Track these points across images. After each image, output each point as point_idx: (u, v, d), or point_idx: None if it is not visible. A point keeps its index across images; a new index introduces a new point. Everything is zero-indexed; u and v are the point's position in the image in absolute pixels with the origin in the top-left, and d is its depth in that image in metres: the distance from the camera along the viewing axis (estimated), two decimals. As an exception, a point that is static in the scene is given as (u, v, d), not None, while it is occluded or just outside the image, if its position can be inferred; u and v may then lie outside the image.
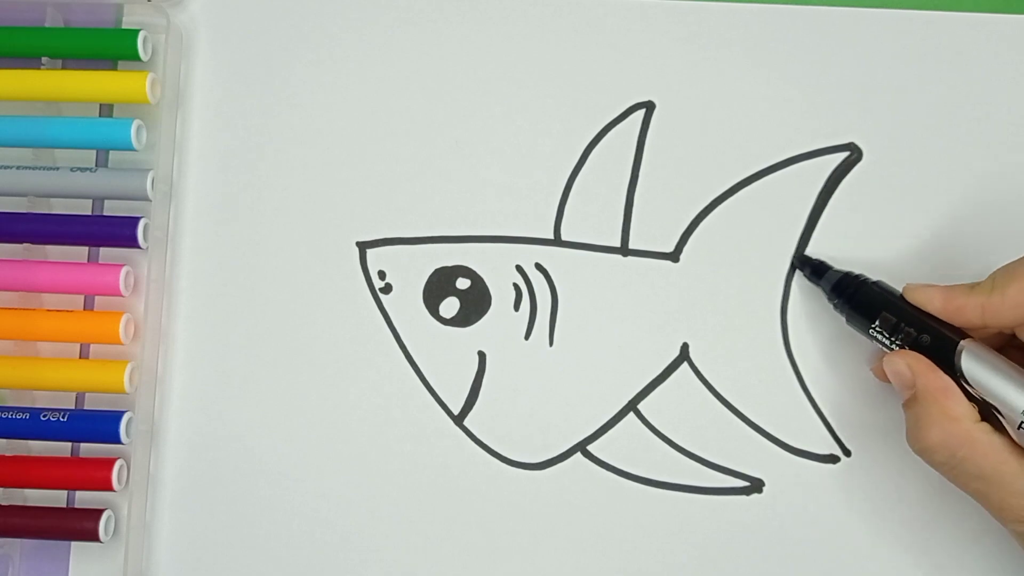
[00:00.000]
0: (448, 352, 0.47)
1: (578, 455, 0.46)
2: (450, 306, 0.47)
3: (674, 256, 0.46)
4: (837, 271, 0.44)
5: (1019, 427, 0.37)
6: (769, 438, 0.45)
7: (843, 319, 0.44)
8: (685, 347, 0.46)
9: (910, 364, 0.40)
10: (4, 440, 0.46)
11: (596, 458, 0.46)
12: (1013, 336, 0.40)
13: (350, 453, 0.47)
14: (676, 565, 0.45)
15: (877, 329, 0.41)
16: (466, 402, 0.46)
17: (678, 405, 0.46)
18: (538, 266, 0.47)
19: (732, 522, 0.45)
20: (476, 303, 0.47)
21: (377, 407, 0.47)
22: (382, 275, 0.47)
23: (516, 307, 0.47)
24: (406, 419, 0.46)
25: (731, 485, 0.46)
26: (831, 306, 0.44)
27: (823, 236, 0.46)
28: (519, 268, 0.47)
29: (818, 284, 0.45)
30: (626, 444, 0.46)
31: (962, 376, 0.39)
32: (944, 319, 0.40)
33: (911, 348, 0.40)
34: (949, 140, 0.46)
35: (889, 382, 0.42)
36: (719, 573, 0.45)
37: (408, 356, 0.47)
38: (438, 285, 0.47)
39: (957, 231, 0.46)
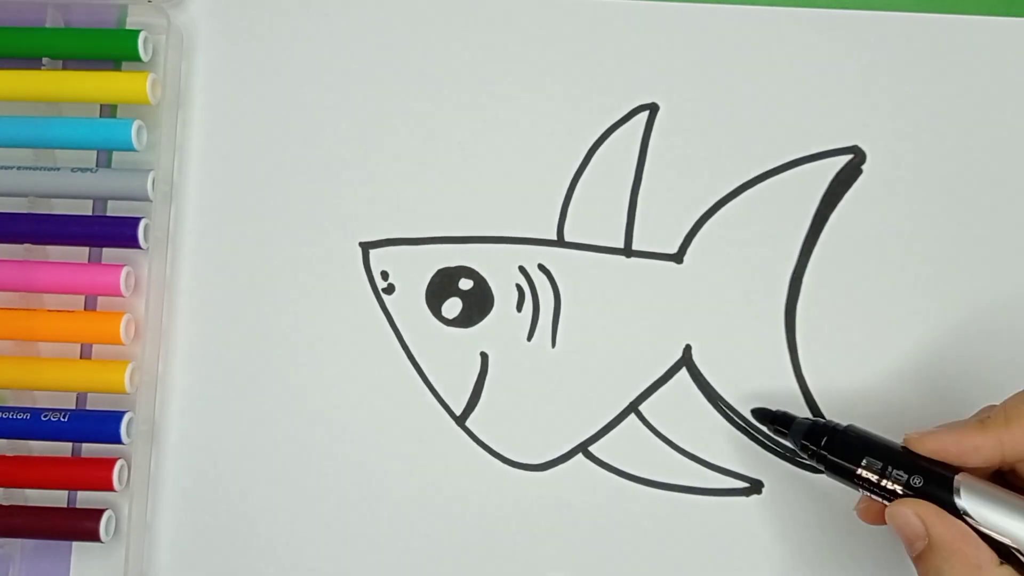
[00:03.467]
0: (450, 353, 0.47)
1: (580, 456, 0.46)
2: (453, 307, 0.47)
3: (677, 258, 0.47)
4: (803, 420, 0.42)
5: None
6: (769, 440, 0.45)
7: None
8: (688, 349, 0.46)
9: (920, 514, 0.36)
10: (5, 440, 0.46)
11: (597, 459, 0.46)
12: (997, 469, 0.38)
13: (351, 453, 0.47)
14: (676, 565, 0.45)
15: (862, 476, 0.39)
16: (468, 403, 0.46)
17: (679, 407, 0.46)
18: (541, 267, 0.47)
19: (732, 523, 0.45)
20: (479, 304, 0.47)
21: (379, 407, 0.47)
22: (385, 275, 0.47)
23: (519, 308, 0.47)
24: (408, 420, 0.47)
25: (731, 486, 0.46)
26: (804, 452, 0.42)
27: (827, 239, 0.46)
28: (522, 269, 0.47)
29: (784, 437, 0.42)
30: (627, 445, 0.46)
31: (965, 514, 0.36)
32: (960, 464, 0.37)
33: (904, 489, 0.37)
34: (952, 142, 0.47)
35: (875, 524, 0.40)
36: (719, 574, 0.45)
37: (410, 357, 0.47)
38: (441, 286, 0.47)
39: (960, 234, 0.46)
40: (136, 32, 0.47)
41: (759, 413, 0.44)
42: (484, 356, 0.47)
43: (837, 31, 0.47)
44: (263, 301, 0.47)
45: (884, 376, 0.46)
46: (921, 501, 0.37)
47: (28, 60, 0.47)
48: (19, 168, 0.46)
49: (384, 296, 0.47)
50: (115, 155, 0.48)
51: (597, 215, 0.47)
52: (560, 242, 0.47)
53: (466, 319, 0.47)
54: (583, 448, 0.46)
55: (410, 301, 0.47)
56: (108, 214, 0.48)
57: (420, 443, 0.46)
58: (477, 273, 0.47)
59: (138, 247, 0.46)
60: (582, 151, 0.47)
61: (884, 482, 0.38)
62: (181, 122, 0.48)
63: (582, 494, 0.46)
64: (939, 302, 0.46)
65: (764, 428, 0.44)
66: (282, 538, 0.46)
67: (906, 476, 0.38)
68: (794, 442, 0.42)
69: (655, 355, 0.46)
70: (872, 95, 0.47)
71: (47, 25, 0.48)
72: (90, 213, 0.48)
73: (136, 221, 0.46)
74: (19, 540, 0.47)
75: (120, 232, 0.46)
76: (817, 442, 0.40)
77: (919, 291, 0.46)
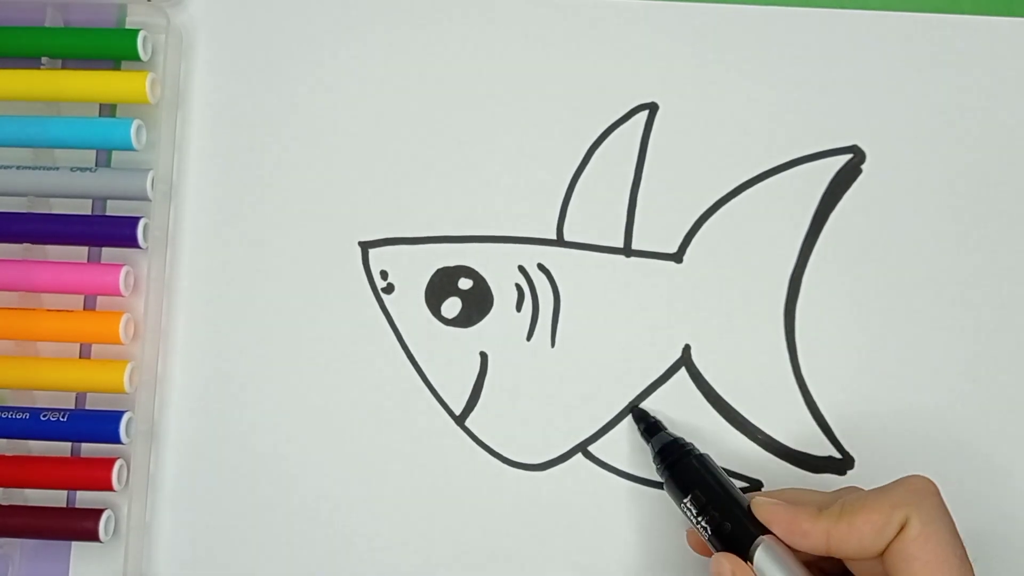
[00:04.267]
0: (450, 352, 0.47)
1: (579, 456, 0.46)
2: (452, 306, 0.47)
3: (677, 257, 0.46)
4: (667, 435, 0.43)
5: None
6: (769, 440, 0.45)
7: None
8: (687, 349, 0.46)
9: (735, 570, 0.38)
10: (4, 440, 0.46)
11: (597, 459, 0.46)
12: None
13: (351, 453, 0.46)
14: (677, 565, 0.45)
15: (687, 505, 0.41)
16: (467, 402, 0.46)
17: (678, 407, 0.46)
18: (540, 266, 0.47)
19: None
20: (478, 303, 0.47)
21: (378, 407, 0.47)
22: (384, 275, 0.47)
23: (518, 308, 0.47)
24: (407, 419, 0.46)
25: (731, 486, 0.46)
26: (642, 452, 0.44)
27: (826, 239, 0.46)
28: (521, 268, 0.47)
29: (648, 442, 0.44)
30: (627, 445, 0.46)
31: (756, 569, 0.38)
32: (788, 543, 0.38)
33: (714, 531, 0.39)
34: (952, 142, 0.47)
35: (697, 552, 0.42)
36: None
37: (410, 356, 0.47)
38: (440, 285, 0.47)
39: (960, 233, 0.46)
40: (135, 31, 0.47)
41: (638, 413, 0.46)
42: (484, 356, 0.47)
43: (837, 31, 0.47)
44: (262, 300, 0.47)
45: (883, 376, 0.46)
46: (738, 560, 0.38)
47: (27, 59, 0.47)
48: (18, 167, 0.46)
49: (383, 295, 0.47)
50: (114, 155, 0.48)
51: (597, 215, 0.47)
52: (560, 242, 0.47)
53: (466, 319, 0.47)
54: (582, 448, 0.46)
55: (409, 300, 0.47)
56: (107, 214, 0.48)
57: (420, 443, 0.46)
58: (476, 273, 0.47)
59: (137, 247, 0.46)
60: (582, 150, 0.47)
61: (700, 517, 0.40)
62: (180, 121, 0.48)
63: (581, 494, 0.46)
64: (939, 302, 0.46)
65: (637, 428, 0.45)
66: (282, 538, 0.46)
67: (720, 520, 0.40)
68: (652, 451, 0.43)
69: (655, 355, 0.46)
70: (872, 95, 0.47)
71: (46, 24, 0.48)
72: (89, 213, 0.48)
73: (135, 221, 0.46)
74: (18, 540, 0.46)
75: (119, 232, 0.46)
76: (664, 459, 0.42)
77: (919, 291, 0.46)
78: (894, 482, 0.38)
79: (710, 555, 0.40)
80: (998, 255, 0.46)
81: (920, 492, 0.37)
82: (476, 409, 0.46)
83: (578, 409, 0.46)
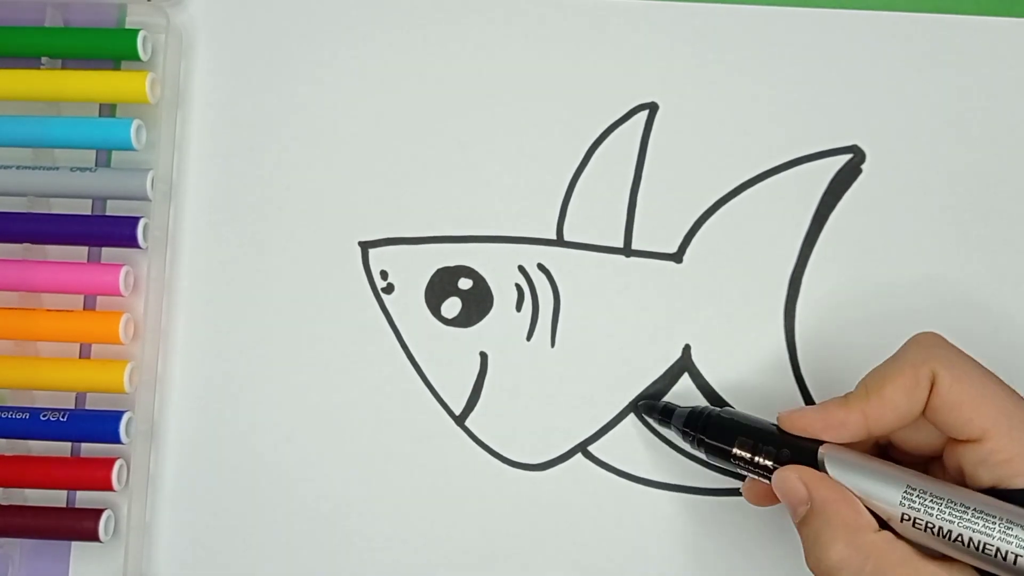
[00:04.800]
0: (450, 352, 0.47)
1: (579, 456, 0.46)
2: (452, 306, 0.47)
3: (677, 257, 0.46)
4: (684, 408, 0.43)
5: (901, 520, 0.36)
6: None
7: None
8: (687, 349, 0.46)
9: (803, 478, 0.37)
10: (4, 440, 0.46)
11: (597, 459, 0.46)
12: (875, 443, 0.40)
13: (351, 453, 0.46)
14: (677, 566, 0.45)
15: (737, 456, 0.40)
16: (467, 403, 0.46)
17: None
18: (540, 266, 0.47)
19: (732, 523, 0.45)
20: (478, 303, 0.47)
21: (378, 407, 0.47)
22: (384, 275, 0.47)
23: (518, 308, 0.47)
24: (407, 419, 0.46)
25: (731, 486, 0.46)
26: (686, 438, 0.42)
27: (826, 239, 0.46)
28: (521, 268, 0.47)
29: (668, 426, 0.44)
30: (627, 445, 0.46)
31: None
32: (828, 439, 0.38)
33: (776, 463, 0.39)
34: (952, 142, 0.47)
35: (761, 505, 0.41)
36: (719, 574, 0.45)
37: (410, 356, 0.47)
38: (440, 285, 0.47)
39: (960, 233, 0.46)
40: (135, 31, 0.47)
41: (646, 407, 0.45)
42: (483, 356, 0.47)
43: (837, 31, 0.47)
44: (262, 300, 0.47)
45: (884, 376, 0.46)
46: (805, 467, 0.38)
47: (27, 59, 0.47)
48: (18, 167, 0.46)
49: (383, 295, 0.47)
50: (114, 154, 0.48)
51: (597, 214, 0.47)
52: (560, 241, 0.47)
53: (465, 319, 0.47)
54: (582, 448, 0.46)
55: (409, 300, 0.47)
56: (107, 214, 0.48)
57: (419, 443, 0.46)
58: (476, 272, 0.47)
59: (137, 247, 0.46)
60: (581, 150, 0.47)
61: (756, 458, 0.39)
62: (180, 121, 0.48)
63: (581, 494, 0.46)
64: (939, 302, 0.46)
65: (651, 421, 0.45)
66: (282, 538, 0.46)
67: (776, 451, 0.39)
68: (676, 430, 0.43)
69: (655, 355, 0.46)
70: (872, 95, 0.47)
71: (46, 24, 0.48)
72: (89, 212, 0.47)
73: (135, 220, 0.46)
74: (18, 540, 0.46)
75: (119, 231, 0.46)
76: (695, 427, 0.42)
77: (919, 291, 0.46)
78: (902, 348, 0.38)
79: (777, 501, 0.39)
80: (998, 255, 0.46)
81: (933, 344, 0.38)
82: (476, 409, 0.46)
83: (578, 409, 0.46)
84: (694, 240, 0.46)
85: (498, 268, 0.47)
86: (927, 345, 0.38)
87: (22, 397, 0.47)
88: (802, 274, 0.46)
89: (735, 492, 0.46)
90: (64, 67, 0.48)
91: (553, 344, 0.46)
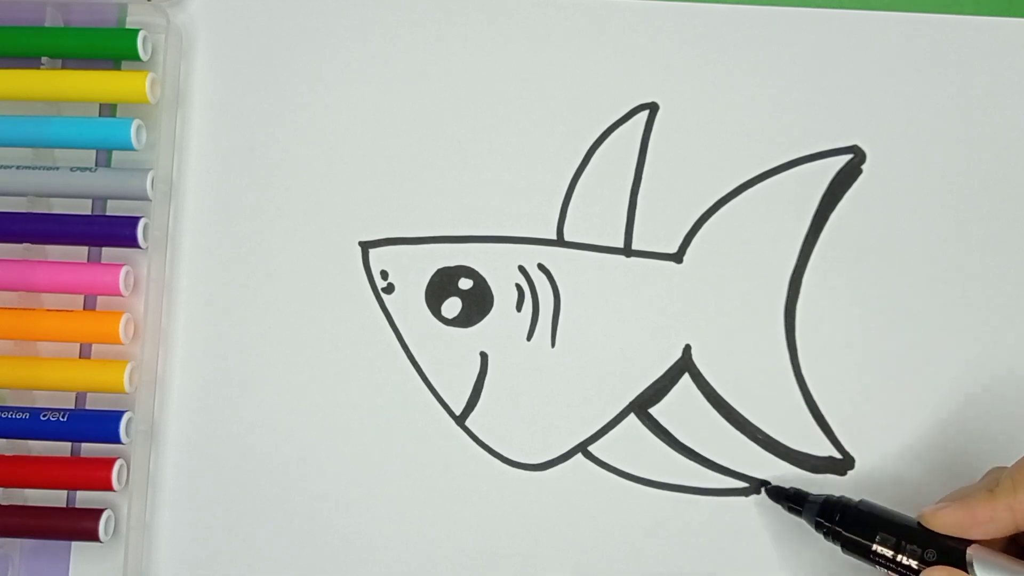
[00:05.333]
0: (450, 352, 0.47)
1: (579, 456, 0.46)
2: (452, 306, 0.47)
3: (677, 257, 0.46)
4: (818, 496, 0.42)
5: None
6: (769, 440, 0.45)
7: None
8: (687, 349, 0.46)
9: None
10: (4, 440, 0.46)
11: (597, 459, 0.46)
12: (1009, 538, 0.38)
13: (351, 453, 0.46)
14: (676, 566, 0.45)
15: (878, 552, 0.39)
16: (468, 403, 0.46)
17: (679, 407, 0.46)
18: (541, 267, 0.47)
19: (733, 523, 0.45)
20: (478, 303, 0.47)
21: (378, 407, 0.47)
22: (384, 275, 0.47)
23: (518, 308, 0.47)
24: (407, 419, 0.46)
25: (731, 486, 0.46)
26: (818, 530, 0.42)
27: (827, 239, 0.46)
28: (522, 268, 0.47)
29: (799, 514, 0.43)
30: (627, 445, 0.46)
31: None
32: (975, 536, 0.37)
33: (921, 563, 0.38)
34: (952, 142, 0.47)
35: None
36: (719, 574, 0.45)
37: (410, 356, 0.47)
38: (440, 285, 0.47)
39: (960, 233, 0.46)
40: (135, 31, 0.47)
41: (773, 492, 0.44)
42: (484, 356, 0.47)
43: (837, 31, 0.47)
44: (262, 300, 0.47)
45: (883, 376, 0.46)
46: (954, 570, 0.37)
47: (27, 59, 0.47)
48: (18, 167, 0.46)
49: (384, 295, 0.47)
50: (114, 154, 0.48)
51: (597, 214, 0.47)
52: (560, 242, 0.47)
53: (466, 319, 0.47)
54: (583, 448, 0.46)
55: (409, 300, 0.47)
56: (107, 213, 0.48)
57: (420, 443, 0.46)
58: (477, 273, 0.47)
59: (137, 246, 0.46)
60: (582, 150, 0.47)
61: (899, 557, 0.38)
62: (180, 121, 0.48)
63: (582, 494, 0.46)
64: (939, 302, 0.46)
65: (780, 506, 0.44)
66: (281, 538, 0.46)
67: (920, 551, 0.38)
68: (808, 519, 0.42)
69: (655, 355, 0.46)
70: (872, 95, 0.47)
71: (46, 24, 0.48)
72: (89, 212, 0.47)
73: (135, 220, 0.46)
74: (18, 540, 0.46)
75: (119, 231, 0.46)
76: (831, 518, 0.41)
77: (919, 291, 0.46)
78: None
79: None
80: (998, 255, 0.46)
81: None
82: (476, 409, 0.46)
83: (578, 409, 0.46)
84: (694, 240, 0.46)
85: (498, 268, 0.47)
86: None
87: (22, 397, 0.47)
88: (802, 274, 0.46)
89: (735, 492, 0.46)
90: (64, 67, 0.48)
91: (553, 344, 0.46)
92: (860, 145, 0.47)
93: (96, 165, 0.48)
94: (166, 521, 0.47)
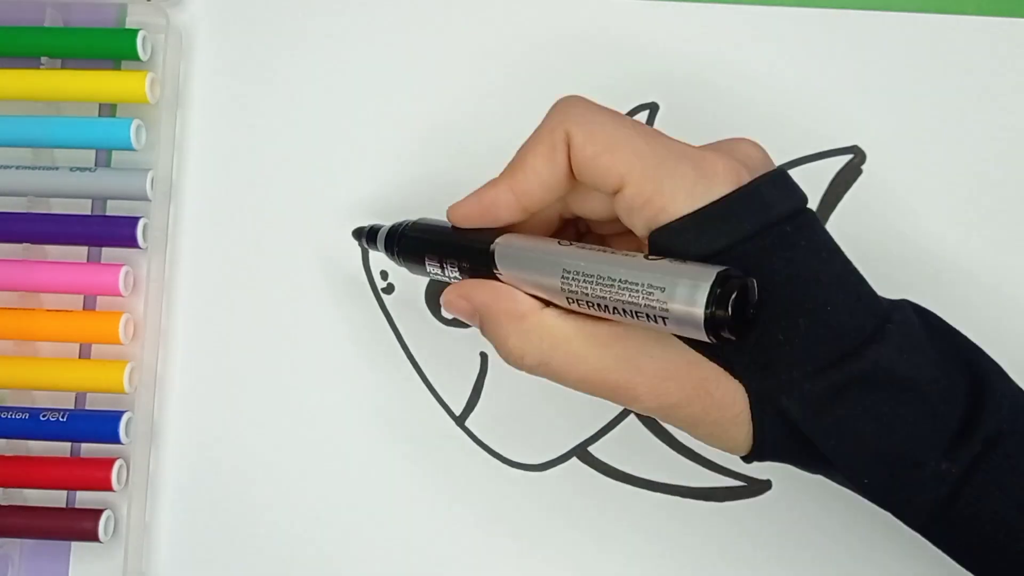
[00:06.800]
0: (450, 353, 0.47)
1: (579, 456, 0.46)
2: (452, 307, 0.47)
3: (677, 257, 0.46)
4: (385, 227, 0.41)
5: (567, 300, 0.34)
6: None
7: None
8: (687, 349, 0.46)
9: (459, 292, 0.36)
10: (4, 440, 0.46)
11: (597, 460, 0.46)
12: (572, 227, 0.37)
13: (351, 453, 0.46)
14: (677, 567, 0.45)
15: (432, 271, 0.38)
16: (468, 403, 0.46)
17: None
18: (540, 267, 0.47)
19: (733, 524, 0.45)
20: (478, 304, 0.47)
21: (378, 407, 0.47)
22: (384, 275, 0.47)
23: (518, 308, 0.47)
24: (407, 420, 0.46)
25: (732, 486, 0.46)
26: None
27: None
28: (521, 269, 0.47)
29: (375, 248, 0.41)
30: (627, 446, 0.46)
31: (501, 277, 0.35)
32: (488, 224, 0.36)
33: (464, 274, 0.37)
34: (952, 142, 0.46)
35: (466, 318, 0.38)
36: (720, 575, 0.45)
37: (410, 357, 0.47)
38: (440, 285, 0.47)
39: (960, 233, 0.46)
40: (135, 31, 0.47)
41: (355, 233, 0.43)
42: (484, 356, 0.47)
43: (837, 31, 0.47)
44: (262, 301, 0.47)
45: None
46: (463, 281, 0.36)
47: (27, 59, 0.47)
48: (18, 167, 0.46)
49: (384, 296, 0.47)
50: (114, 154, 0.48)
51: (597, 215, 0.47)
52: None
53: (465, 319, 0.47)
54: (582, 448, 0.46)
55: (410, 301, 0.47)
56: (107, 214, 0.48)
57: (419, 443, 0.46)
58: (476, 272, 0.47)
59: (137, 247, 0.46)
60: (582, 151, 0.47)
61: (448, 272, 0.37)
62: (180, 121, 0.48)
63: (581, 495, 0.46)
64: (939, 302, 0.46)
65: (362, 246, 0.43)
66: (281, 538, 0.46)
67: (458, 262, 0.37)
68: (386, 252, 0.41)
69: (655, 355, 0.46)
70: (872, 95, 0.47)
71: (46, 24, 0.48)
72: (89, 213, 0.48)
73: (135, 221, 0.46)
74: (18, 540, 0.47)
75: (119, 232, 0.46)
76: (393, 249, 0.40)
77: (919, 291, 0.46)
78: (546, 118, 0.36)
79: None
80: (998, 255, 0.46)
81: (567, 107, 0.35)
82: (476, 409, 0.46)
83: (578, 410, 0.46)
84: (694, 240, 0.46)
85: (498, 268, 0.47)
86: (561, 109, 0.35)
87: (22, 397, 0.47)
88: (802, 274, 0.46)
89: (736, 492, 0.45)
90: (64, 67, 0.48)
91: (553, 344, 0.46)
92: (860, 145, 0.47)
93: (96, 165, 0.48)
94: (166, 521, 0.47)
